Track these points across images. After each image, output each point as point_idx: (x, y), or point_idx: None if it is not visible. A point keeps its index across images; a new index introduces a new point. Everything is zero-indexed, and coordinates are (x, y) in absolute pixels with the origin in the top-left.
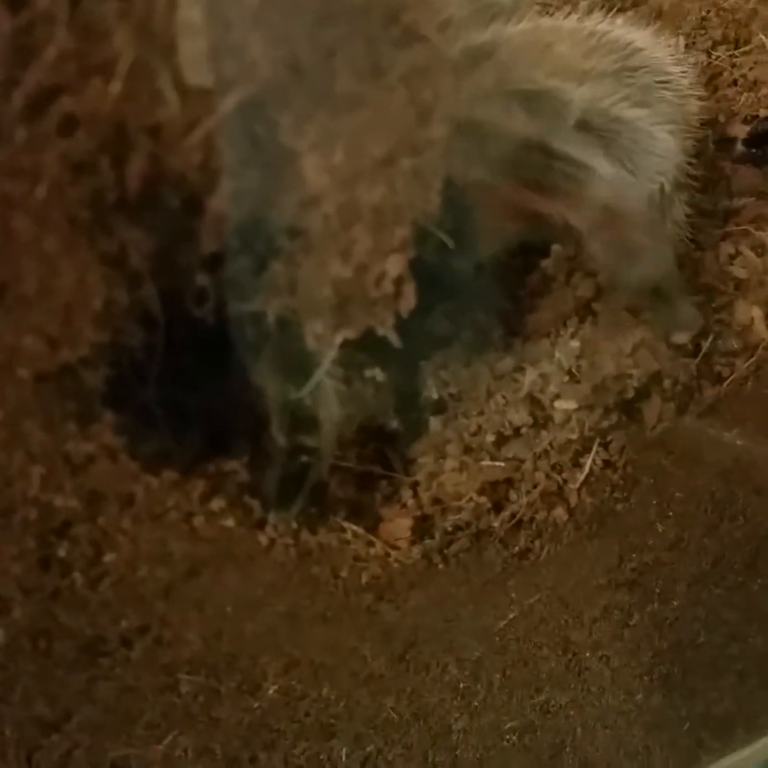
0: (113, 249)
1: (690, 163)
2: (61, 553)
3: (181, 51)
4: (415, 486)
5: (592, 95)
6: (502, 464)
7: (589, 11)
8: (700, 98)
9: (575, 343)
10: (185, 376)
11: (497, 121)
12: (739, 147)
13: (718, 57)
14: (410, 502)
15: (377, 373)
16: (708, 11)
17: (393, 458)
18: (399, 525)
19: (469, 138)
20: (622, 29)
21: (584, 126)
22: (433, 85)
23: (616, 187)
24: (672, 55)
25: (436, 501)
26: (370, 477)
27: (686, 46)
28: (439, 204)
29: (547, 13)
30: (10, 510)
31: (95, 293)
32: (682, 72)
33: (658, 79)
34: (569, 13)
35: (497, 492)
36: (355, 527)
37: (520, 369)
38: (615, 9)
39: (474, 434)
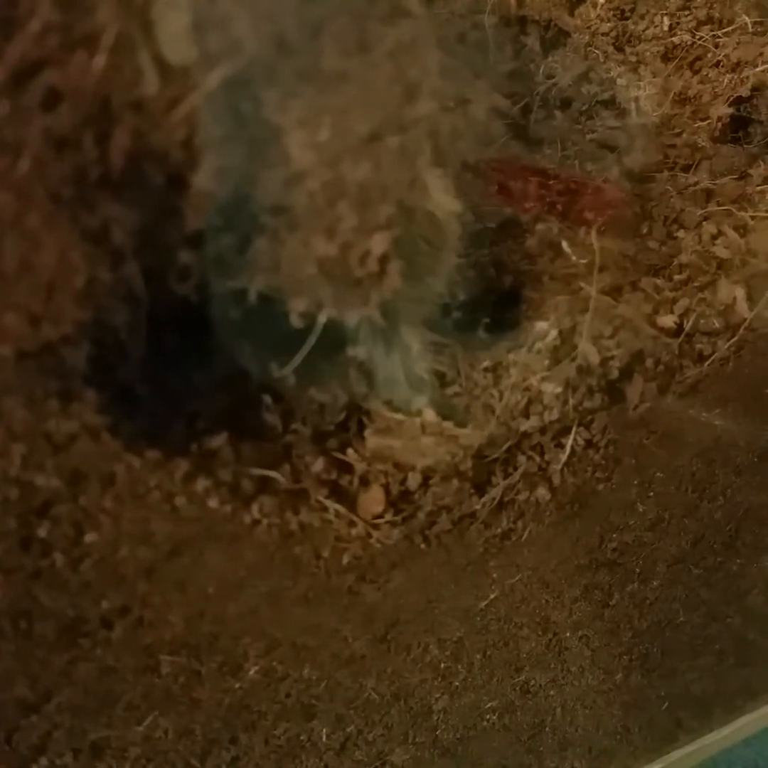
0: (96, 226)
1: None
2: (42, 533)
3: (163, 27)
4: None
5: None
6: (468, 431)
7: None
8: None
9: (556, 327)
10: (168, 355)
11: None
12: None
13: (701, 37)
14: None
15: (360, 353)
16: None
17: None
18: (374, 497)
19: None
20: None
21: None
22: (420, 62)
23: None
24: None
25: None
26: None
27: (670, 26)
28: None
29: None
30: None
31: (77, 271)
32: None
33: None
34: None
35: (479, 474)
36: (336, 506)
37: (502, 352)
38: None
39: (454, 417)
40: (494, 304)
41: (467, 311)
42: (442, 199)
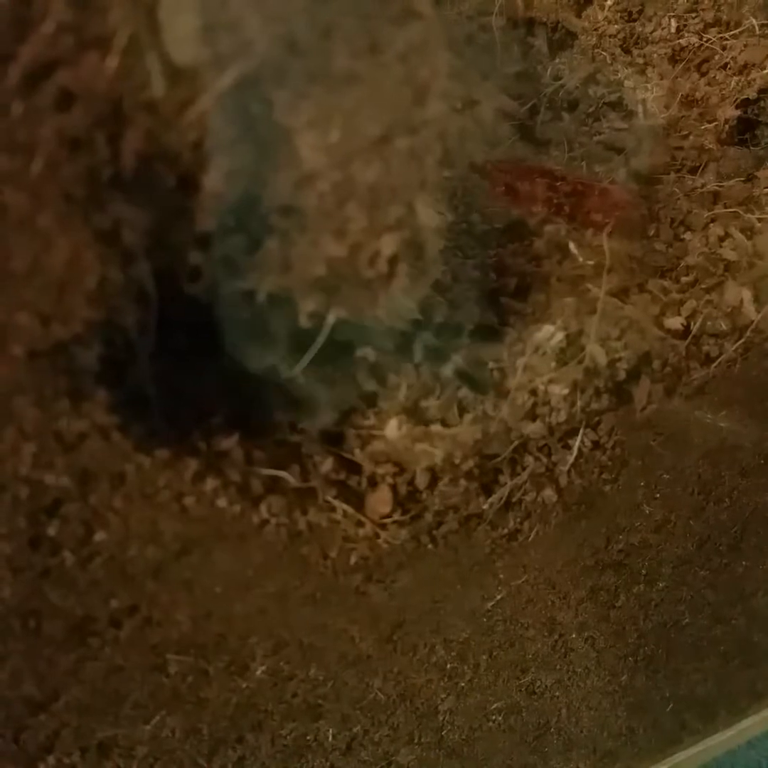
0: (107, 226)
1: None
2: (52, 531)
3: (170, 29)
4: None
5: None
6: (458, 429)
7: None
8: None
9: (563, 329)
10: (178, 355)
11: None
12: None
13: (709, 40)
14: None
15: (369, 353)
16: None
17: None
18: (381, 497)
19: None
20: None
21: None
22: (430, 64)
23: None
24: None
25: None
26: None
27: (678, 28)
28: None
29: None
30: (0, 488)
31: (89, 270)
32: None
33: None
34: None
35: (486, 474)
36: (345, 506)
37: (509, 354)
38: None
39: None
40: (501, 303)
41: (472, 313)
42: (425, 212)
